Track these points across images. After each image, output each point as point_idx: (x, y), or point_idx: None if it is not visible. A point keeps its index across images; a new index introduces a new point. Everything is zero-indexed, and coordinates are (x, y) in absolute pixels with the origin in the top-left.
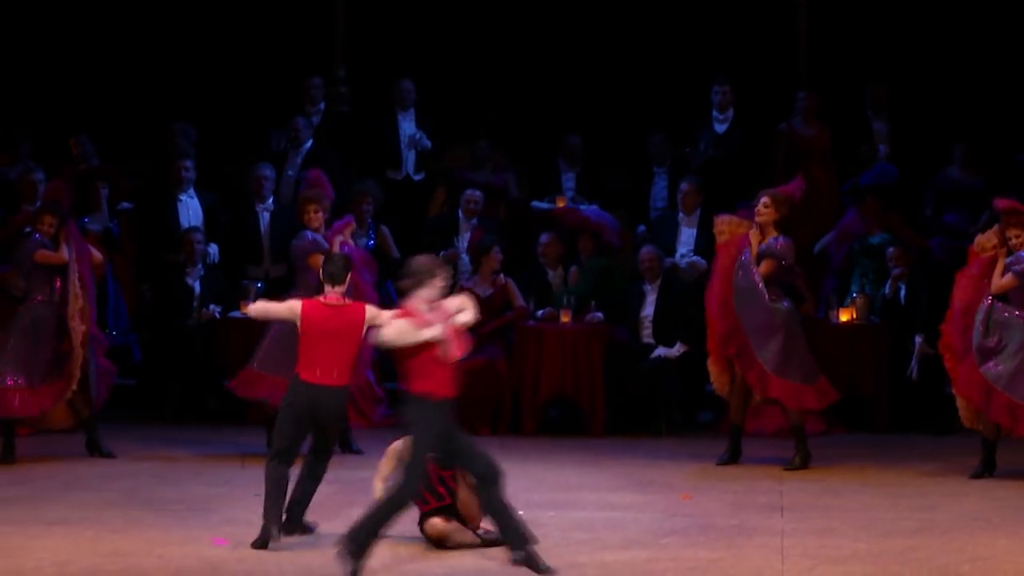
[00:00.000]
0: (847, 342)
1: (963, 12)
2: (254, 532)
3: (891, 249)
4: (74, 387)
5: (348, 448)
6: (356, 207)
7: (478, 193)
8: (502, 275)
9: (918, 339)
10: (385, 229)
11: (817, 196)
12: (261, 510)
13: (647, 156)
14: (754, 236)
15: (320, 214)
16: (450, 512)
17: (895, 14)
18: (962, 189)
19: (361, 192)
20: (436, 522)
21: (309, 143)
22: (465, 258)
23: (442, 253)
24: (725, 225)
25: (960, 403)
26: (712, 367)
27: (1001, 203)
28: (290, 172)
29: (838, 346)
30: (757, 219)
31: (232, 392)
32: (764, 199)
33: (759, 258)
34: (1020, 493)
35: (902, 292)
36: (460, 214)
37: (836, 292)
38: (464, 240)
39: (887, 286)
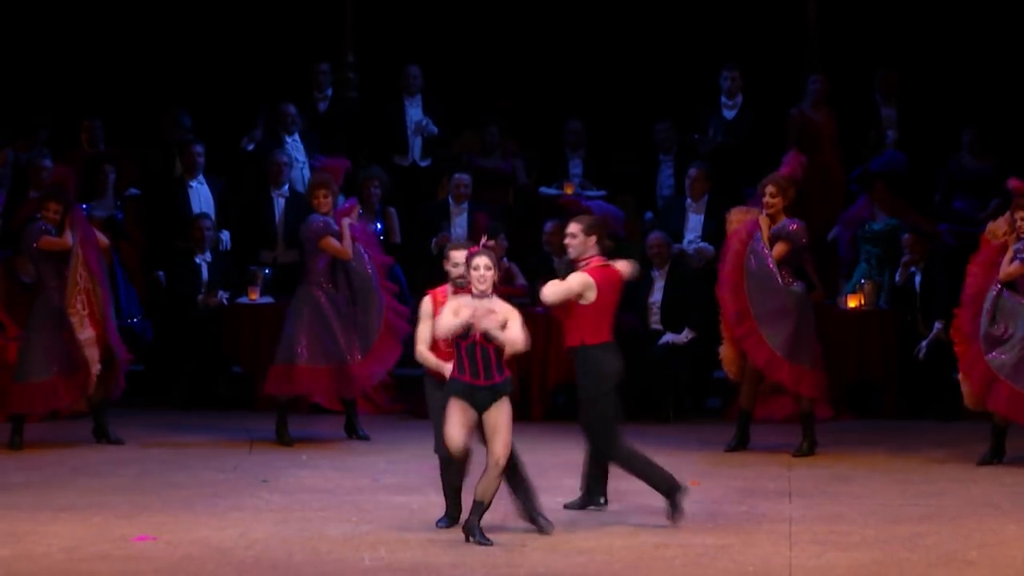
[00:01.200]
0: (856, 328)
1: None
2: (262, 518)
3: (905, 236)
4: (94, 372)
5: (355, 434)
6: (364, 191)
7: (466, 177)
8: (505, 259)
9: (937, 324)
10: (392, 211)
11: (828, 182)
12: (266, 496)
13: (653, 143)
14: (764, 220)
15: (329, 199)
16: (477, 398)
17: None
18: (972, 175)
19: (368, 176)
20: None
21: (296, 128)
22: None
23: (433, 240)
24: (736, 215)
25: (964, 387)
26: (725, 352)
27: (1016, 184)
28: (299, 158)
29: (846, 332)
30: (766, 211)
31: (271, 393)
32: (769, 188)
33: (771, 241)
34: None
35: (917, 279)
36: (450, 199)
37: (844, 279)
38: (457, 226)
39: (898, 273)
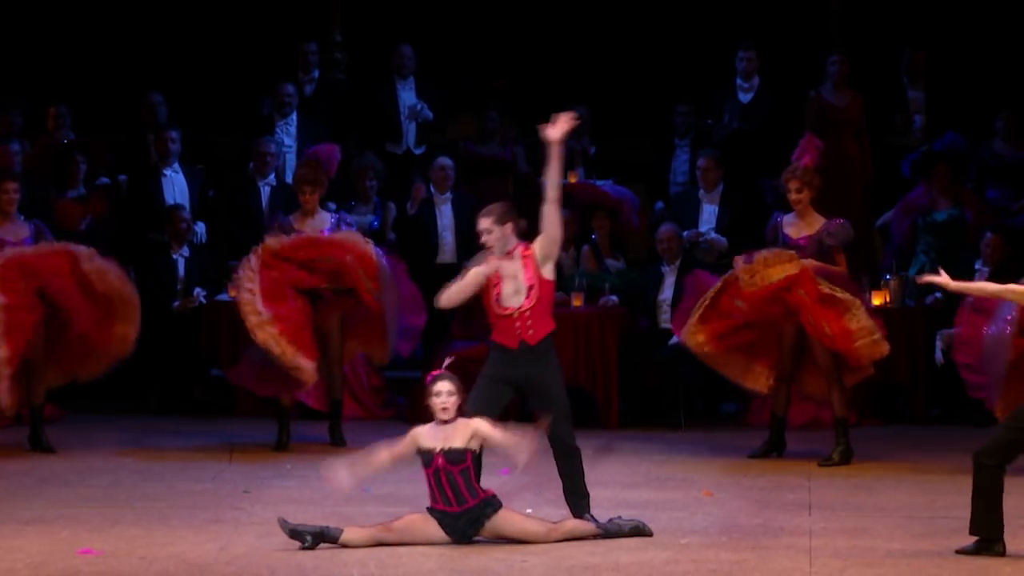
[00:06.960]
0: (880, 327)
1: None
2: (244, 532)
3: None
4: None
5: (336, 439)
6: (359, 183)
7: (448, 160)
8: None
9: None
10: (391, 205)
11: (849, 170)
12: (247, 508)
13: (668, 127)
14: (791, 220)
15: (316, 195)
16: (456, 528)
17: None
18: (1006, 163)
19: (362, 167)
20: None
21: (294, 113)
22: (447, 236)
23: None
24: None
25: None
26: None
27: None
28: (287, 142)
29: None
30: (794, 208)
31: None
32: (793, 183)
33: (818, 244)
34: None
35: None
36: (432, 188)
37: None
38: (443, 216)
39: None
